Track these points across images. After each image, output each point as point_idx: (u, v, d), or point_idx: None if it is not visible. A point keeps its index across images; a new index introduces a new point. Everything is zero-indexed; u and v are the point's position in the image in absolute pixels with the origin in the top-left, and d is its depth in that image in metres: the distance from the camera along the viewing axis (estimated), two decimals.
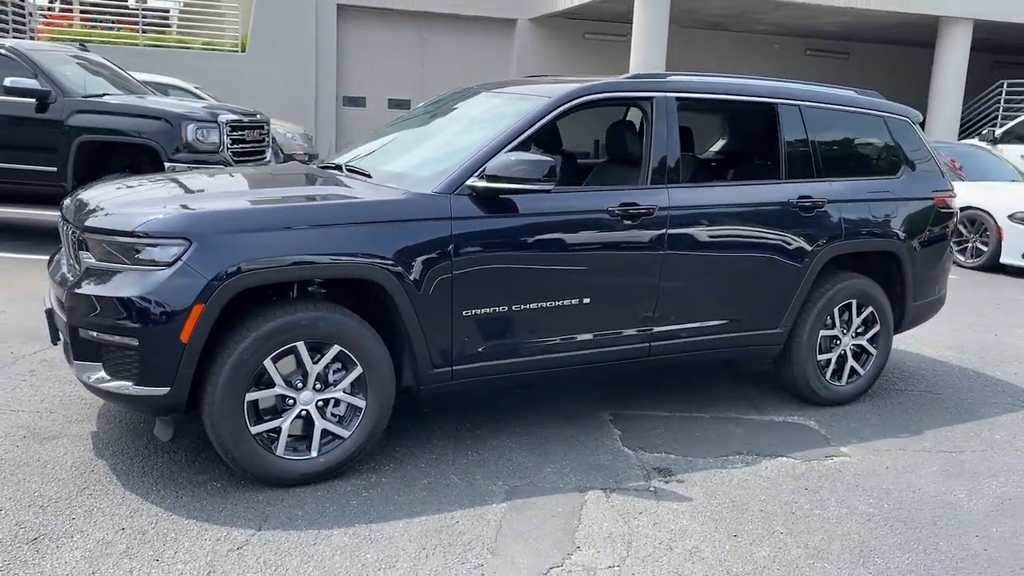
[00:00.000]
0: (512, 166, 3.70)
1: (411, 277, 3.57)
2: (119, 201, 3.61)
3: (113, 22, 20.61)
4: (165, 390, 3.27)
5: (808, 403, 4.85)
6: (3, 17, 16.26)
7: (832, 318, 4.79)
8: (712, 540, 3.30)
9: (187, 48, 19.25)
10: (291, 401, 3.48)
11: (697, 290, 4.33)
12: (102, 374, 3.36)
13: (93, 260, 3.39)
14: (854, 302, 4.83)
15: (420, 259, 3.59)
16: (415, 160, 4.14)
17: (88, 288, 3.33)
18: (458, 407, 4.56)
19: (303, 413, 3.51)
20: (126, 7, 20.67)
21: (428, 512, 3.38)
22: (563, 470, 3.85)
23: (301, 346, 3.43)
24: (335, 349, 3.49)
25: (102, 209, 3.52)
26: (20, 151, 8.20)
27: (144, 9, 20.69)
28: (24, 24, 17.28)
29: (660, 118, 4.28)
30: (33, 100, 8.10)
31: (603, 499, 3.58)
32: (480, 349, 3.83)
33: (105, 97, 8.40)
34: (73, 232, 3.56)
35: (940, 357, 6.14)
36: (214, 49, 19.27)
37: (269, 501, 3.39)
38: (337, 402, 3.59)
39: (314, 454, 3.54)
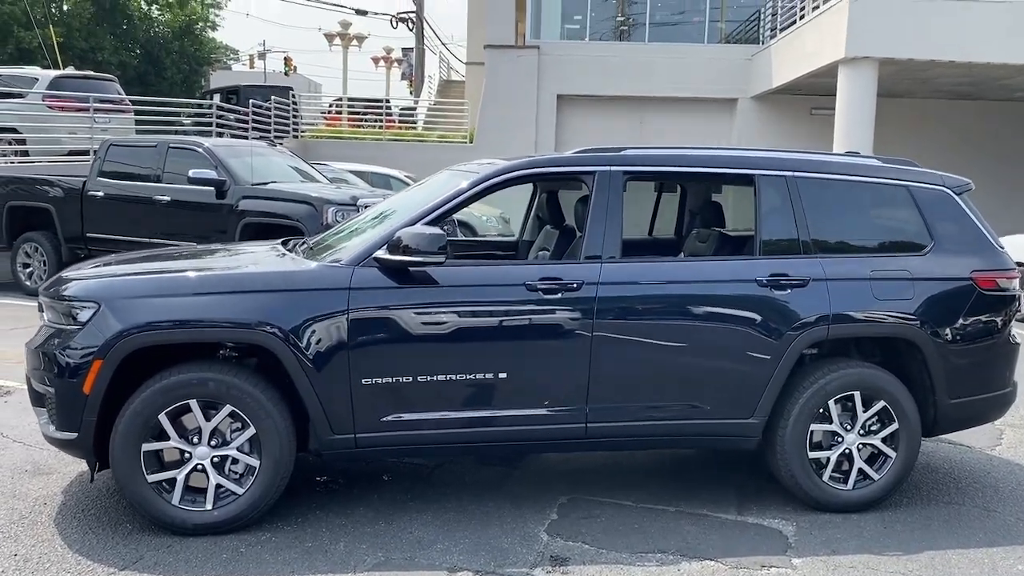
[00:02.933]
0: (409, 239, 3.81)
1: (303, 344, 3.76)
2: (71, 273, 4.18)
3: (374, 121, 23.18)
4: (73, 435, 3.72)
5: (811, 507, 4.29)
6: (266, 118, 18.93)
7: (827, 411, 4.25)
8: None
9: (423, 141, 21.10)
10: (188, 455, 3.78)
11: (640, 371, 4.08)
12: (44, 419, 3.89)
13: (45, 321, 3.97)
14: (857, 394, 4.25)
15: (313, 327, 3.78)
16: (364, 234, 4.35)
17: (36, 345, 3.90)
18: (423, 479, 4.61)
19: (200, 467, 3.79)
20: (383, 108, 23.14)
21: (279, 574, 3.48)
22: (452, 548, 3.76)
23: (194, 404, 3.73)
24: (227, 409, 3.75)
25: (58, 280, 4.10)
26: (201, 231, 9.51)
27: (388, 111, 23.02)
28: (288, 122, 19.99)
29: (601, 193, 4.16)
30: (212, 188, 9.41)
31: None
32: (384, 419, 3.90)
33: (269, 184, 9.55)
34: (38, 298, 4.18)
35: None
36: (447, 141, 20.94)
37: (154, 545, 3.68)
38: (236, 459, 3.83)
39: (209, 507, 3.78)
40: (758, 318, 4.13)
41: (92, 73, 15.61)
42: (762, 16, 20.31)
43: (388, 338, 3.86)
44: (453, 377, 3.92)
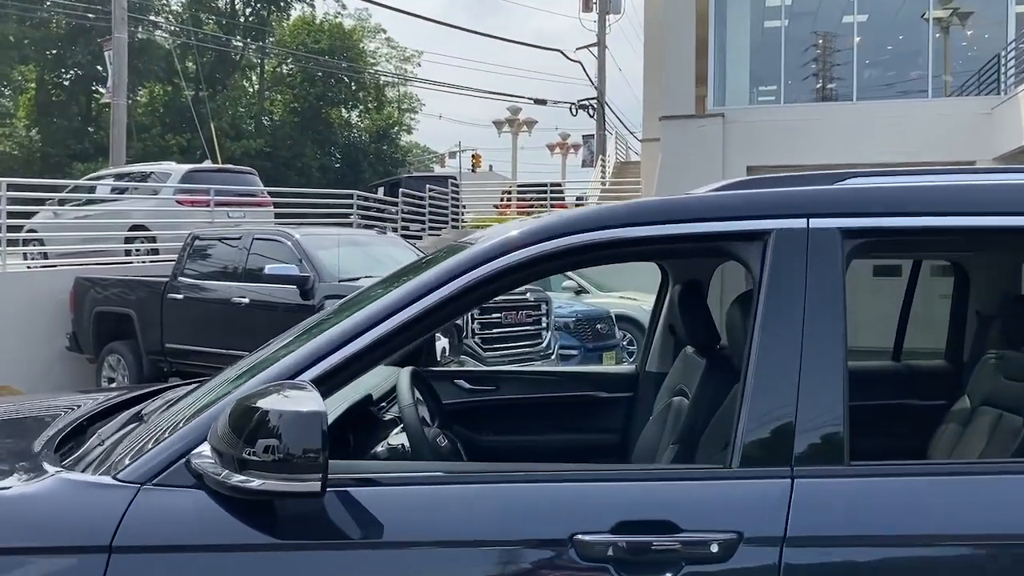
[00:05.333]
0: (260, 421, 1.43)
1: None
2: None
3: (542, 207, 21.48)
4: None
5: None
6: (421, 209, 17.53)
7: None
8: None
9: None
10: None
11: None
12: None
13: None
14: None
15: None
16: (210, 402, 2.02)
17: None
18: None
19: None
20: (547, 193, 21.44)
21: None
22: None
23: None
24: None
25: None
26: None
27: (556, 196, 21.25)
28: (446, 212, 18.58)
29: (787, 282, 1.61)
30: (295, 287, 7.56)
31: None
32: None
33: (361, 280, 7.54)
34: None
35: None
36: None
37: None
38: None
39: None
40: None
41: (229, 166, 14.71)
42: (1003, 61, 16.69)
43: None
44: None
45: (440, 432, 2.00)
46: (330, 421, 2.02)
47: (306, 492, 1.40)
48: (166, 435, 1.61)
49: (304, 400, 1.42)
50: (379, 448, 2.00)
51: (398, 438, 1.94)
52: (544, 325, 7.68)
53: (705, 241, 1.72)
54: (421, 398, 2.11)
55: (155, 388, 2.49)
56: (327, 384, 1.59)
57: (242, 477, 1.41)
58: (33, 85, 41.08)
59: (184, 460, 1.54)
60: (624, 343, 11.09)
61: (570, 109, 32.17)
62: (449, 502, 1.54)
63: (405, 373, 2.14)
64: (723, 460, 1.58)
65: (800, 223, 1.65)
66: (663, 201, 1.75)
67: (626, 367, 3.32)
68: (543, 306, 7.74)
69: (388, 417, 2.25)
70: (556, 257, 1.67)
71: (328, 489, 1.49)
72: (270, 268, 7.51)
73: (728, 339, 2.01)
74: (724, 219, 1.69)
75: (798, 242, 1.63)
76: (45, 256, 13.06)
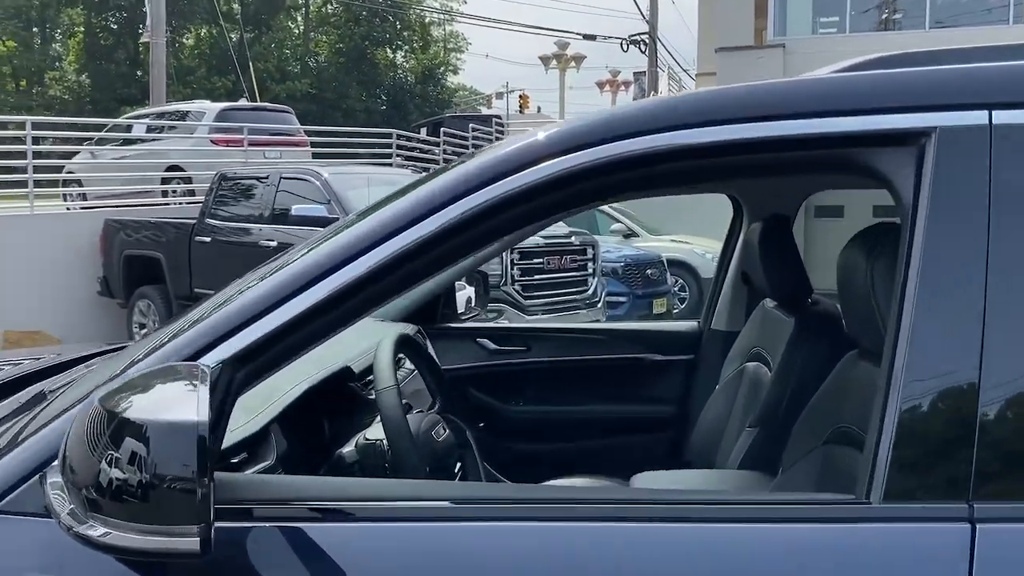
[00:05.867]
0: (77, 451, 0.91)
1: None
2: None
3: None
4: None
5: None
6: (464, 148, 16.94)
7: None
8: None
9: None
10: None
11: None
12: None
13: None
14: None
15: None
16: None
17: None
18: None
19: None
20: None
21: None
22: None
23: None
24: None
25: None
26: None
27: None
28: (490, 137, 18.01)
29: (961, 205, 1.02)
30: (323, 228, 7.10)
31: None
32: None
33: None
34: None
35: None
36: None
37: None
38: None
39: None
40: None
41: (267, 104, 14.24)
42: None
43: None
44: None
45: (439, 420, 1.48)
46: (293, 399, 1.51)
47: (178, 551, 0.89)
48: (27, 436, 1.11)
49: (178, 401, 0.89)
50: (347, 449, 1.47)
51: (379, 430, 1.42)
52: (590, 271, 7.12)
53: (821, 147, 1.11)
54: (417, 372, 1.59)
55: (95, 351, 2.01)
56: (252, 365, 1.07)
57: (89, 522, 0.91)
58: (81, 29, 41.02)
59: (38, 477, 1.04)
60: (676, 289, 10.49)
61: (621, 45, 31.00)
62: (444, 549, 1.01)
63: (388, 341, 1.59)
64: (851, 486, 1.03)
65: (978, 117, 1.06)
66: (761, 88, 1.16)
67: (686, 324, 2.71)
68: (589, 250, 7.15)
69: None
70: (602, 172, 1.10)
71: (271, 523, 0.99)
72: (297, 209, 7.06)
73: (842, 298, 1.42)
74: (853, 112, 1.10)
75: (976, 146, 1.04)
76: (84, 198, 12.83)
